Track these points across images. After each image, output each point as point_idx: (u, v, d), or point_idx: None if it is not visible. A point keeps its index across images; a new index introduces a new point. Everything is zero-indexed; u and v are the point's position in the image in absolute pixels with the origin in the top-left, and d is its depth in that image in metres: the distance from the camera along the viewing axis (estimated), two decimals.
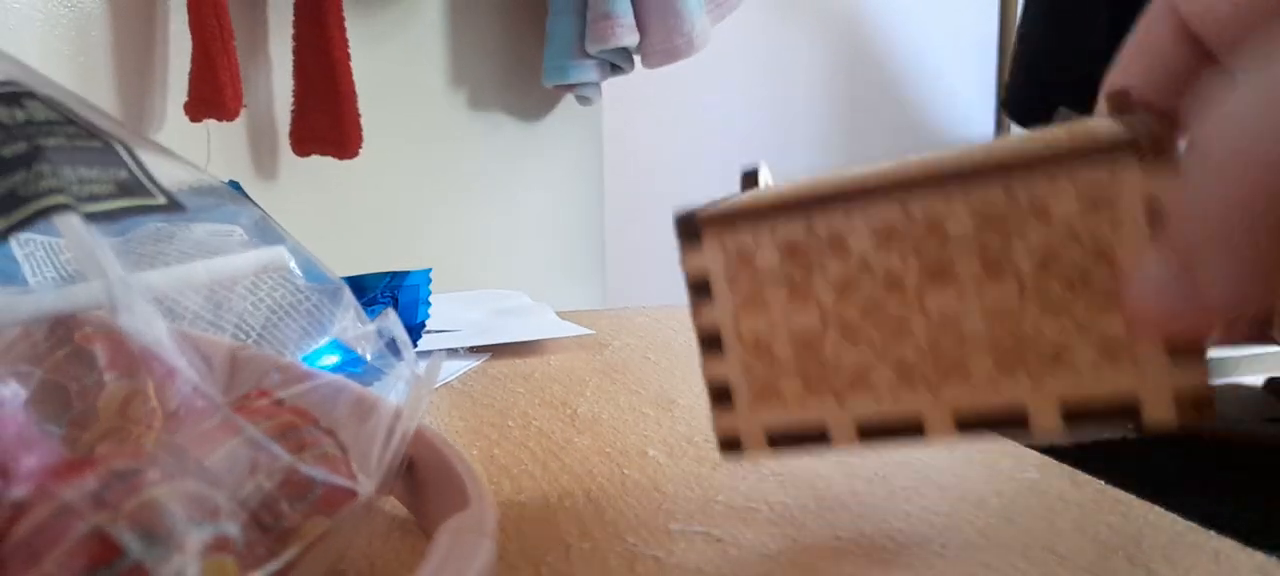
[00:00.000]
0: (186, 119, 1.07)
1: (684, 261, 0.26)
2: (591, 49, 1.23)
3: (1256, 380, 1.13)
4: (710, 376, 0.26)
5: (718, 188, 0.27)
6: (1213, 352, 0.21)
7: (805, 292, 0.24)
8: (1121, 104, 0.24)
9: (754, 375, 0.26)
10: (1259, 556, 0.25)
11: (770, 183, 0.28)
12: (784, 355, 0.25)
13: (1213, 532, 0.27)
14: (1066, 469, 0.32)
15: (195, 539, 0.18)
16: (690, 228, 0.26)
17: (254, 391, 0.23)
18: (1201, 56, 0.24)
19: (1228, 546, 0.26)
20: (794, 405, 0.25)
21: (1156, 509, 0.28)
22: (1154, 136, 0.21)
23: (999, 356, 0.23)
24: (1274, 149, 0.17)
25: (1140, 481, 0.32)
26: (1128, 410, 0.22)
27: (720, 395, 0.26)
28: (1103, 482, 0.30)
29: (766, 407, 0.26)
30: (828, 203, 0.24)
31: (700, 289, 0.26)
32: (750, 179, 0.28)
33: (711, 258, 0.25)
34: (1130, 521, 0.27)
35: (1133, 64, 0.25)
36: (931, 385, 0.23)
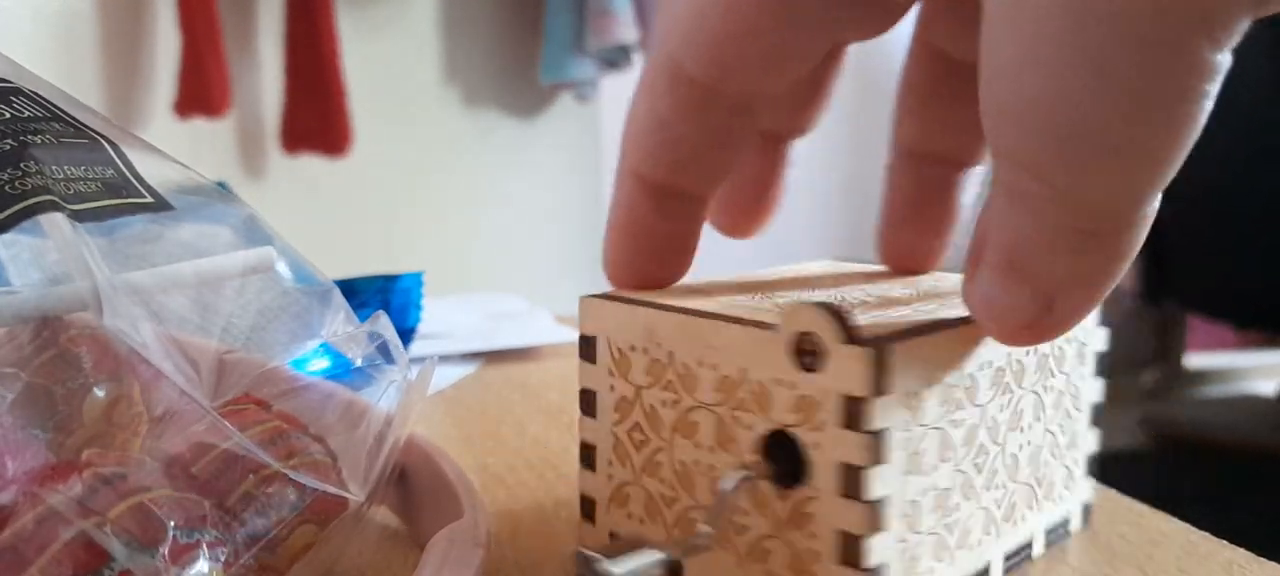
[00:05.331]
0: (175, 116, 1.06)
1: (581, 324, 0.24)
2: (592, 46, 1.22)
3: (1268, 389, 1.12)
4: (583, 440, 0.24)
5: None
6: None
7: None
8: None
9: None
10: (1272, 566, 0.25)
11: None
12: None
13: (1225, 543, 0.26)
14: None
15: (182, 546, 0.18)
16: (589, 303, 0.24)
17: (242, 396, 0.23)
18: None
19: (1241, 556, 0.25)
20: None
21: (1169, 518, 0.28)
22: None
23: None
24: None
25: (1153, 491, 0.32)
26: None
27: (586, 455, 0.25)
28: (1115, 492, 0.29)
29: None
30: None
31: (586, 348, 0.24)
32: None
33: (597, 326, 0.24)
34: (1143, 531, 0.27)
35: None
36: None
